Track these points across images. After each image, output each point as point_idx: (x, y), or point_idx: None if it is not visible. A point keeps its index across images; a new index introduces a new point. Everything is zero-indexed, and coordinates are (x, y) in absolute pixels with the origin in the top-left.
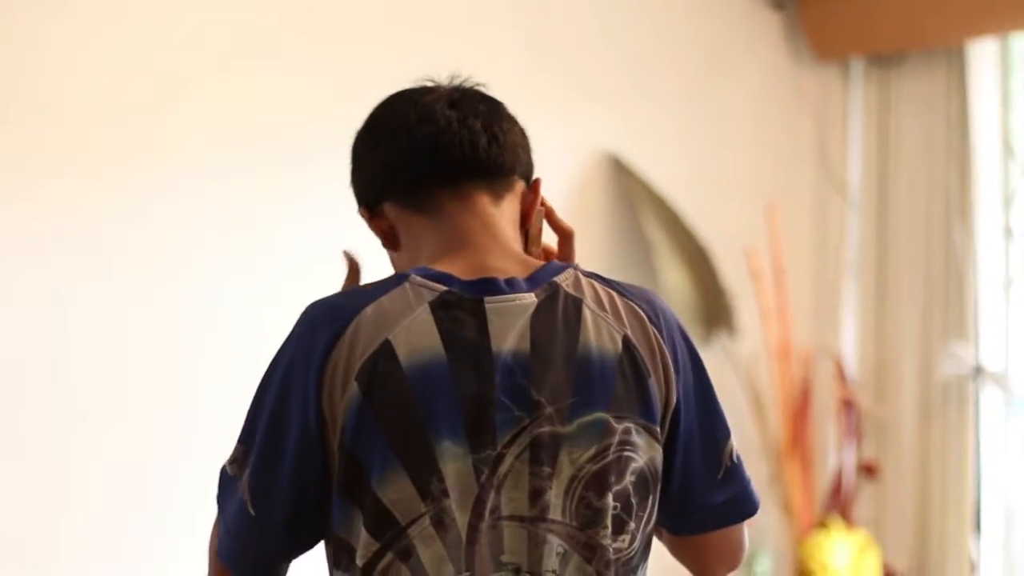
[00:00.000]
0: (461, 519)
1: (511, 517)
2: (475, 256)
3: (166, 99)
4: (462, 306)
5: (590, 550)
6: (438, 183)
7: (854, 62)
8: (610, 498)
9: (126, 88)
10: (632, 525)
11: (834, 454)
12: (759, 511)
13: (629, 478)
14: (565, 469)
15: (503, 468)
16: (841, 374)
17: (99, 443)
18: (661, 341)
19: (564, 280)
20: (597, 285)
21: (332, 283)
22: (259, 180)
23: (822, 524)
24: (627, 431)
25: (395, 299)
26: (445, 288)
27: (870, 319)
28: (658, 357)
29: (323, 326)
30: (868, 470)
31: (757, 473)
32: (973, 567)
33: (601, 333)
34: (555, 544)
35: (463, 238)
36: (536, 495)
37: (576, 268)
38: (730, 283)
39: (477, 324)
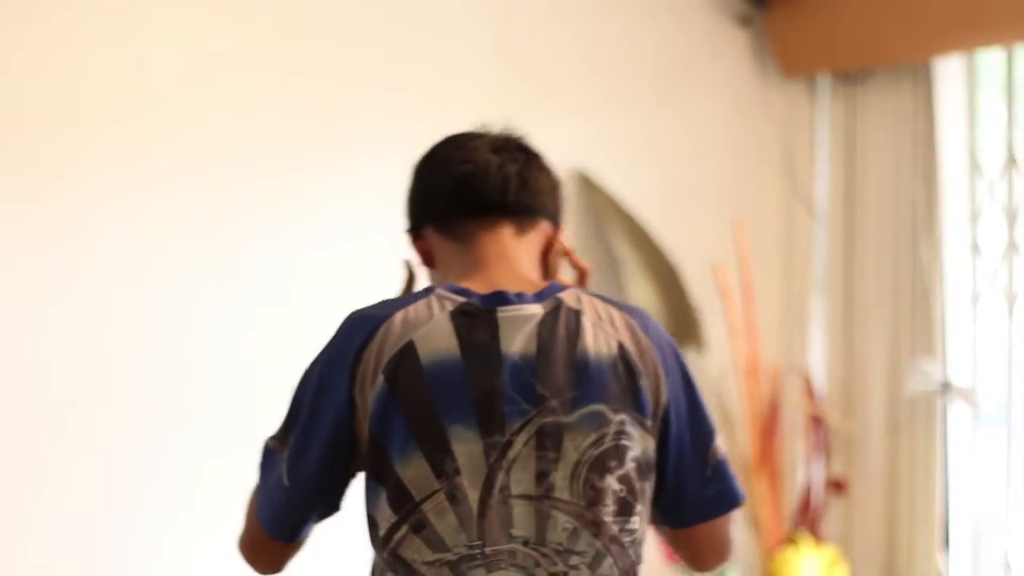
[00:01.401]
0: (472, 495)
1: (519, 496)
2: (492, 276)
3: (142, 108)
4: (477, 315)
5: (596, 526)
6: (470, 215)
7: (821, 78)
8: (611, 480)
9: (102, 96)
10: (639, 507)
11: (802, 470)
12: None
13: (630, 464)
14: (570, 454)
15: (512, 453)
16: (809, 390)
17: (81, 445)
18: (651, 348)
19: (567, 296)
20: (596, 301)
21: (310, 291)
22: (235, 188)
23: (791, 540)
24: (622, 422)
25: (420, 308)
26: (464, 299)
27: (838, 335)
28: (649, 362)
29: (358, 330)
30: (836, 486)
31: None
32: None
33: (598, 339)
34: (561, 520)
35: (484, 262)
36: (542, 476)
37: (579, 289)
38: (698, 299)
39: (489, 330)
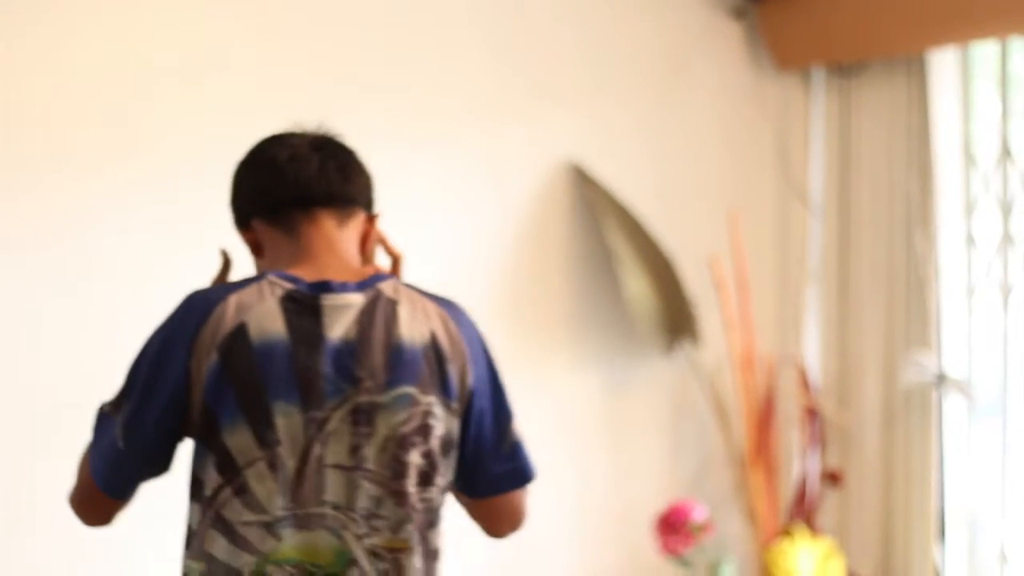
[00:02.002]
0: (290, 464)
1: (333, 465)
2: (319, 264)
3: (138, 105)
4: (304, 301)
5: (399, 496)
6: (296, 207)
7: (815, 71)
8: (415, 455)
9: (97, 93)
10: (439, 480)
11: (798, 462)
12: (724, 517)
13: (434, 441)
14: (381, 430)
15: (329, 427)
16: (804, 382)
17: (76, 445)
18: (460, 338)
19: (386, 287)
20: (413, 293)
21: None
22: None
23: (786, 532)
24: (430, 403)
25: (253, 292)
26: (292, 286)
27: (833, 327)
28: (457, 350)
29: (197, 309)
30: (832, 478)
31: (722, 481)
32: (937, 574)
33: (413, 328)
34: (369, 489)
35: (311, 251)
36: (355, 449)
37: (398, 280)
38: (693, 292)
39: (314, 315)
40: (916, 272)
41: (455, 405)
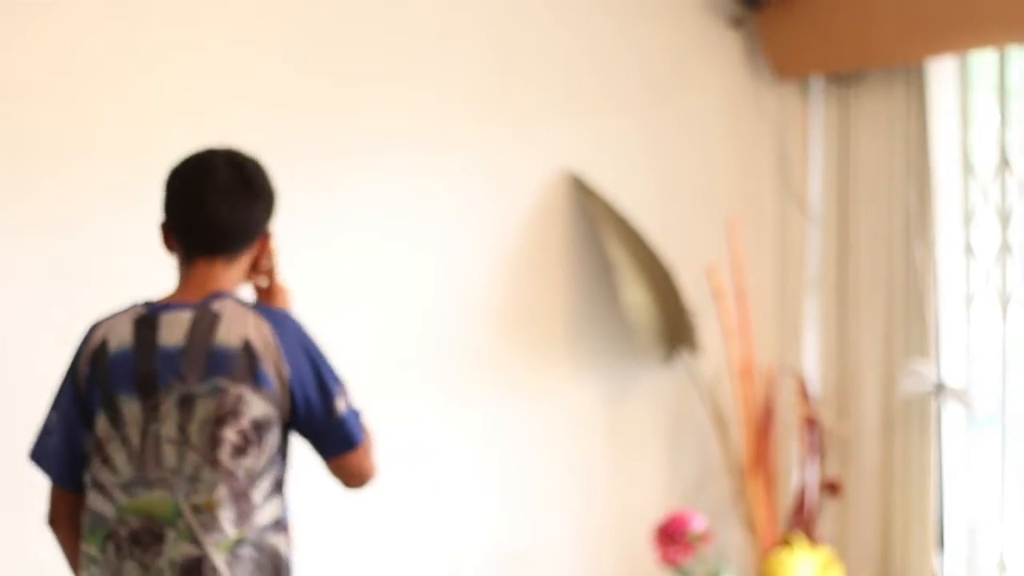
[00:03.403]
0: (135, 440)
1: (167, 440)
2: (186, 291)
3: (139, 108)
4: (148, 319)
5: (214, 464)
6: (191, 251)
7: (814, 80)
8: (229, 432)
9: (99, 95)
10: (253, 450)
11: (797, 472)
12: (723, 527)
13: (245, 421)
14: (199, 413)
15: (162, 411)
16: (803, 391)
17: None
18: (274, 341)
19: (216, 304)
20: (238, 307)
21: (309, 289)
22: None
23: (785, 542)
24: (241, 392)
25: (120, 317)
26: (145, 311)
27: (832, 336)
28: (270, 350)
29: (86, 334)
30: (831, 487)
31: (721, 491)
32: None
33: (229, 334)
34: (192, 458)
35: (192, 280)
36: (181, 428)
37: (234, 298)
38: (692, 301)
39: (153, 329)
40: (915, 281)
41: (271, 392)
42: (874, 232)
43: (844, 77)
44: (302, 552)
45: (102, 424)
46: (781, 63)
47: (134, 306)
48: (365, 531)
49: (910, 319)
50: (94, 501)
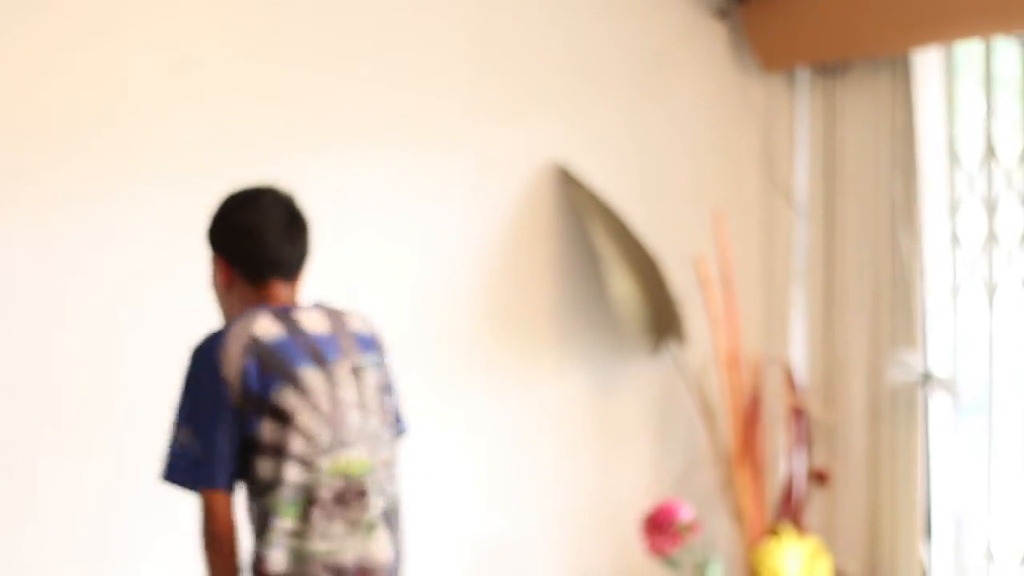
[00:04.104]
0: (326, 406)
1: (350, 404)
2: (271, 303)
3: (127, 102)
4: (282, 313)
5: (387, 425)
6: (266, 277)
7: (800, 71)
8: (388, 398)
9: (89, 82)
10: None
11: (784, 461)
12: (711, 517)
13: (391, 389)
14: (369, 380)
15: (339, 378)
16: (790, 381)
17: (76, 445)
18: (377, 329)
19: (322, 304)
20: (335, 308)
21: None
22: (220, 182)
23: (773, 531)
24: (387, 365)
25: (245, 321)
26: (269, 310)
27: (818, 326)
28: (378, 335)
29: (209, 354)
30: (818, 477)
31: (708, 480)
32: (924, 572)
33: (361, 324)
34: (373, 419)
35: (272, 298)
36: (360, 393)
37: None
38: (679, 292)
39: (292, 320)
40: (901, 271)
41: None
42: (860, 222)
43: (830, 68)
44: None
45: (290, 398)
46: (767, 54)
47: (243, 318)
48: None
49: (896, 309)
50: (292, 474)
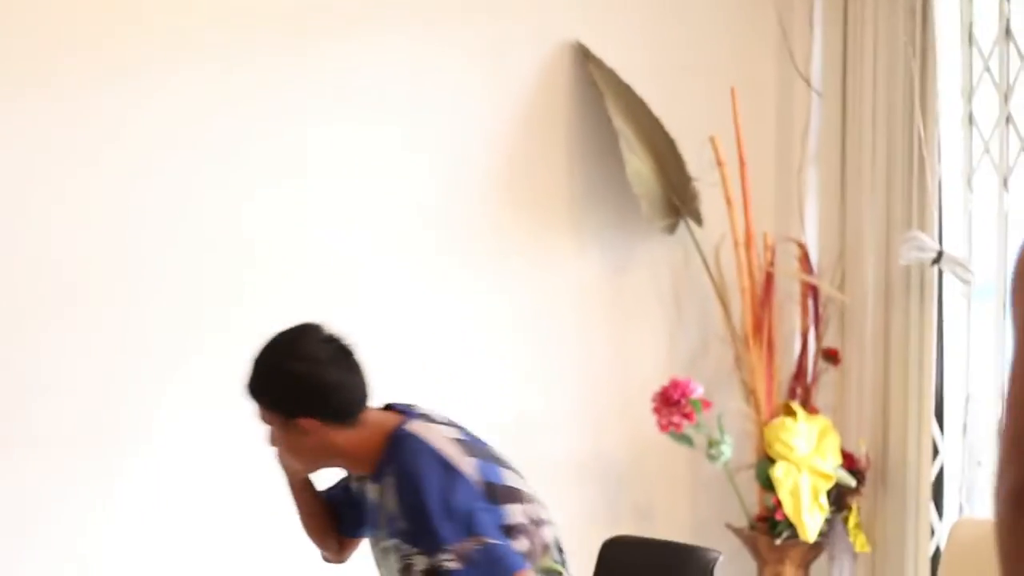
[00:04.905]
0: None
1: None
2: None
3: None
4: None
5: None
6: (359, 411)
7: None
8: None
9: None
10: None
11: (797, 340)
12: (723, 395)
13: None
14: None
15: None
16: (804, 261)
17: (84, 318)
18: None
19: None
20: None
21: (306, 170)
22: (236, 68)
23: (784, 409)
24: None
25: (429, 435)
26: (420, 419)
27: (832, 206)
28: None
29: (438, 452)
30: (830, 356)
31: (722, 359)
32: (934, 452)
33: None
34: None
35: (374, 423)
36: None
37: None
38: (694, 171)
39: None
40: (916, 152)
41: None
42: (875, 102)
43: None
44: None
45: (513, 478)
46: None
47: (404, 421)
48: None
49: (911, 190)
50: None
